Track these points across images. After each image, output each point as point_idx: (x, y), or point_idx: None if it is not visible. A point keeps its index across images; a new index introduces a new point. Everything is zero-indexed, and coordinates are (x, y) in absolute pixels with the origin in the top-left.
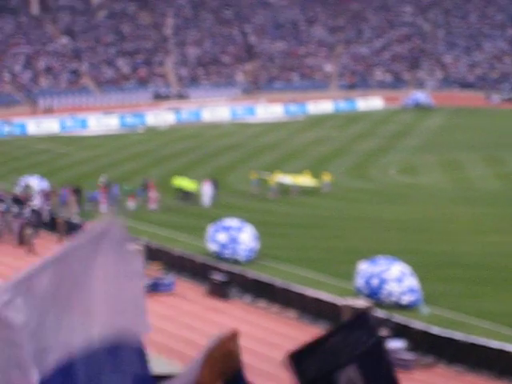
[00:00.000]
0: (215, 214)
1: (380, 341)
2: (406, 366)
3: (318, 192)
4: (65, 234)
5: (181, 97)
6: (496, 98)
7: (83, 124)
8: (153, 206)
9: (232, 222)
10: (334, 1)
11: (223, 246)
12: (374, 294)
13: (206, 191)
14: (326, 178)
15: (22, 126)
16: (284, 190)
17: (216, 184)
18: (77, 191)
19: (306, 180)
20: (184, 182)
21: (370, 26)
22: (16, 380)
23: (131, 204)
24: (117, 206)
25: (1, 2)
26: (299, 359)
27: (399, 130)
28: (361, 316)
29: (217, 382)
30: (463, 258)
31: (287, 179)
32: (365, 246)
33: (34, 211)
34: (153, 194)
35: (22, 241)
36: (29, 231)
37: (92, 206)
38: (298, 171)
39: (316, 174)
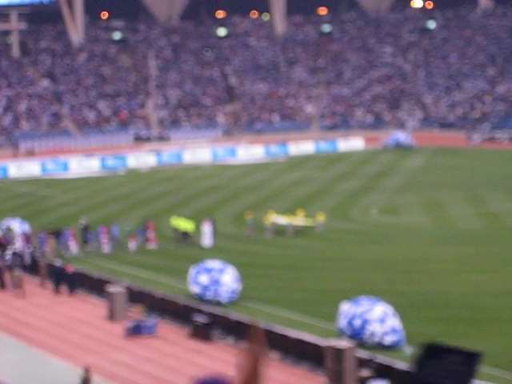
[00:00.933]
0: (198, 255)
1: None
2: None
3: (312, 232)
4: (46, 277)
5: (162, 139)
6: (477, 137)
7: (64, 167)
8: (152, 245)
9: (214, 263)
10: (314, 42)
11: (205, 287)
12: (356, 334)
13: (206, 231)
14: (320, 217)
15: (3, 169)
16: (279, 230)
17: (214, 223)
18: (56, 234)
19: (300, 220)
20: (181, 222)
21: (351, 66)
22: None
23: (132, 244)
24: (117, 246)
25: None
26: (431, 353)
27: (380, 170)
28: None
29: None
30: (445, 298)
31: (282, 219)
32: (347, 287)
33: (15, 254)
34: (151, 234)
35: (3, 284)
36: (18, 273)
37: (94, 247)
38: (280, 212)
39: (297, 215)
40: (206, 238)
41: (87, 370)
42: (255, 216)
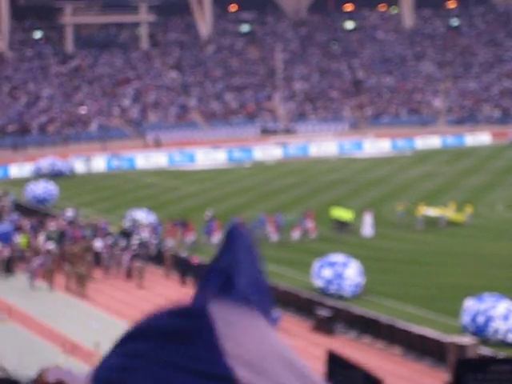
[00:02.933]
0: (321, 248)
1: None
2: None
3: (463, 224)
4: (172, 268)
5: (288, 132)
6: None
7: (191, 158)
8: (312, 235)
9: (337, 257)
10: (442, 36)
11: (328, 281)
12: (480, 331)
13: (368, 221)
14: (469, 209)
15: (131, 160)
16: (431, 221)
17: (375, 215)
18: (184, 224)
19: (451, 212)
20: (342, 213)
21: (479, 60)
22: None
23: (296, 234)
24: (281, 235)
25: (111, 38)
26: (466, 368)
27: (507, 165)
28: None
29: None
30: None
31: (432, 211)
32: (471, 283)
33: (141, 244)
34: (311, 224)
35: (130, 274)
36: (138, 264)
37: (259, 232)
38: (406, 205)
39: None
40: (367, 228)
41: None
42: (388, 209)
